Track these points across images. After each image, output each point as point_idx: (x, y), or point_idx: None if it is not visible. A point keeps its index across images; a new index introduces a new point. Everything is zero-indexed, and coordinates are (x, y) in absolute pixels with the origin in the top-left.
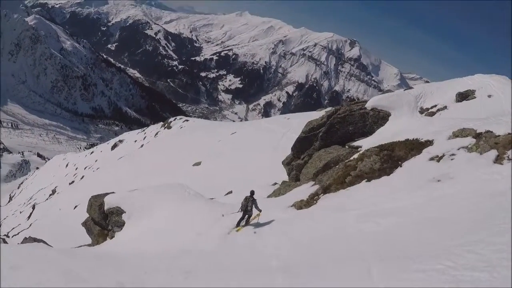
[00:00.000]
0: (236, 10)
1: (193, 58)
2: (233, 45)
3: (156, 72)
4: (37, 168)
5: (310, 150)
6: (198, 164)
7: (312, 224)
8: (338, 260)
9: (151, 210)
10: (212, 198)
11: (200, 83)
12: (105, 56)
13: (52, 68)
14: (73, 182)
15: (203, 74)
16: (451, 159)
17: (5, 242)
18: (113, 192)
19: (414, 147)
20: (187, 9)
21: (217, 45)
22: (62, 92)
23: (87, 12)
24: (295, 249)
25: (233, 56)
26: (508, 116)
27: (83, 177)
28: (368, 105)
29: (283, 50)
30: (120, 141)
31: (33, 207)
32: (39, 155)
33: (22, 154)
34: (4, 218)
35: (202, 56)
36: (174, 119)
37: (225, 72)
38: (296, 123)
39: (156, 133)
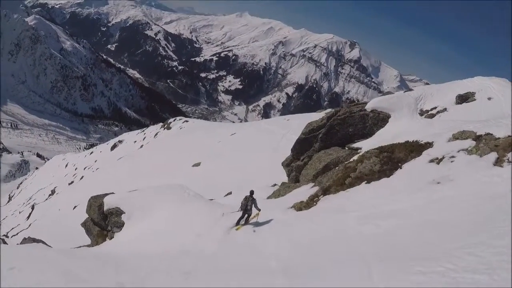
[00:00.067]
0: (236, 10)
1: (193, 59)
2: (233, 46)
3: (156, 73)
4: (37, 168)
5: (309, 152)
6: (197, 165)
7: (312, 226)
8: (338, 262)
9: (151, 211)
10: (212, 199)
11: (200, 84)
12: (105, 57)
13: (52, 68)
14: (72, 182)
15: (203, 75)
16: (451, 161)
17: (4, 242)
18: (112, 193)
19: (414, 149)
20: (187, 10)
21: (217, 46)
22: (62, 92)
23: (87, 12)
24: (295, 250)
25: (233, 57)
26: (508, 118)
27: (82, 177)
28: (368, 107)
29: (283, 51)
30: (120, 141)
31: (33, 207)
32: (38, 155)
33: (22, 154)
34: (4, 218)
35: (202, 57)
36: (174, 120)
37: (225, 73)
38: (296, 125)
39: (156, 134)
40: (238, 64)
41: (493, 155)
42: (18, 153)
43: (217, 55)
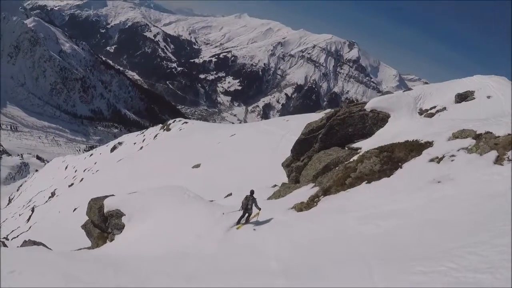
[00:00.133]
0: (234, 11)
1: (192, 60)
2: (232, 47)
3: (155, 74)
4: (36, 170)
5: (309, 152)
6: (197, 166)
7: (312, 226)
8: (338, 262)
9: (151, 213)
10: (212, 200)
11: (199, 85)
12: (104, 58)
13: (51, 70)
14: (72, 184)
15: (202, 76)
16: (451, 160)
17: (4, 245)
18: (112, 195)
19: (414, 148)
20: (186, 11)
21: (216, 47)
22: (61, 95)
23: (86, 14)
24: (295, 251)
25: (232, 58)
26: (507, 117)
27: (82, 179)
28: (368, 107)
29: (282, 52)
30: (120, 143)
31: (33, 210)
32: (38, 158)
33: (21, 156)
34: (4, 221)
35: (201, 58)
36: (173, 121)
37: (224, 74)
38: (295, 125)
39: (155, 135)
40: (237, 65)
41: (493, 154)
42: (18, 155)
43: (216, 56)
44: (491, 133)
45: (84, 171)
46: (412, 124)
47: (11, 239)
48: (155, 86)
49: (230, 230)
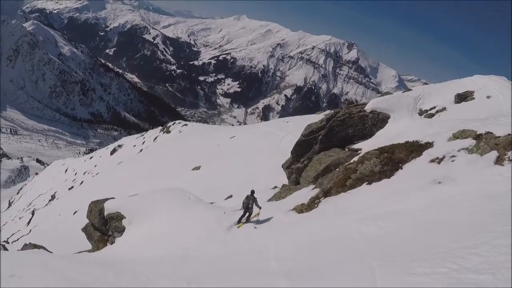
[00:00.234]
0: (233, 11)
1: (191, 62)
2: (231, 49)
3: (155, 77)
4: (36, 173)
5: (309, 153)
6: (197, 168)
7: (313, 227)
8: (339, 263)
9: (151, 215)
10: (212, 203)
11: (199, 87)
12: (103, 61)
13: (50, 73)
14: (72, 187)
15: (201, 78)
16: (452, 161)
17: (5, 248)
18: (113, 198)
19: (414, 149)
20: (185, 14)
21: (215, 49)
22: (61, 98)
23: (85, 17)
24: (296, 251)
25: (231, 60)
26: (508, 116)
27: (82, 182)
28: (367, 108)
29: (281, 53)
30: (119, 146)
31: (33, 213)
32: (38, 161)
33: (21, 159)
34: (4, 224)
35: (200, 60)
36: (173, 124)
37: (223, 76)
38: (295, 126)
39: (155, 138)
40: (236, 67)
41: (494, 154)
42: (18, 158)
43: (216, 58)
44: (492, 133)
45: (84, 174)
46: (412, 125)
47: (12, 243)
48: (155, 88)
49: (231, 229)
